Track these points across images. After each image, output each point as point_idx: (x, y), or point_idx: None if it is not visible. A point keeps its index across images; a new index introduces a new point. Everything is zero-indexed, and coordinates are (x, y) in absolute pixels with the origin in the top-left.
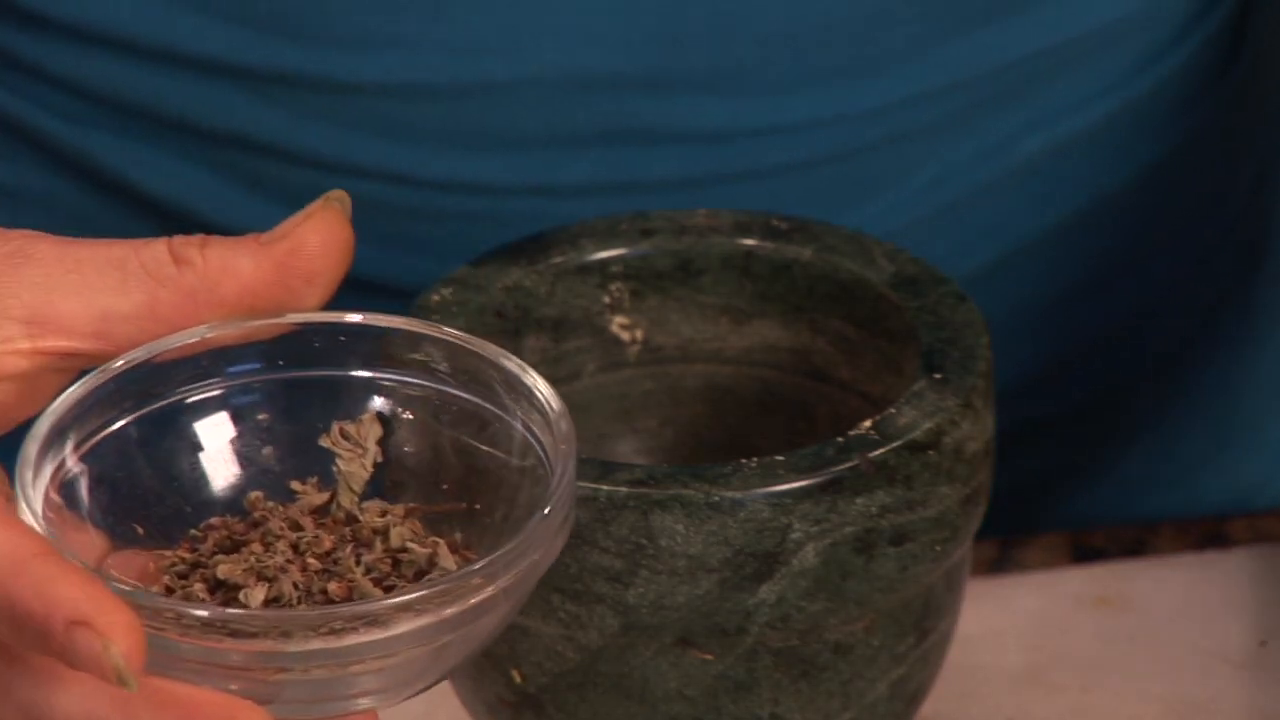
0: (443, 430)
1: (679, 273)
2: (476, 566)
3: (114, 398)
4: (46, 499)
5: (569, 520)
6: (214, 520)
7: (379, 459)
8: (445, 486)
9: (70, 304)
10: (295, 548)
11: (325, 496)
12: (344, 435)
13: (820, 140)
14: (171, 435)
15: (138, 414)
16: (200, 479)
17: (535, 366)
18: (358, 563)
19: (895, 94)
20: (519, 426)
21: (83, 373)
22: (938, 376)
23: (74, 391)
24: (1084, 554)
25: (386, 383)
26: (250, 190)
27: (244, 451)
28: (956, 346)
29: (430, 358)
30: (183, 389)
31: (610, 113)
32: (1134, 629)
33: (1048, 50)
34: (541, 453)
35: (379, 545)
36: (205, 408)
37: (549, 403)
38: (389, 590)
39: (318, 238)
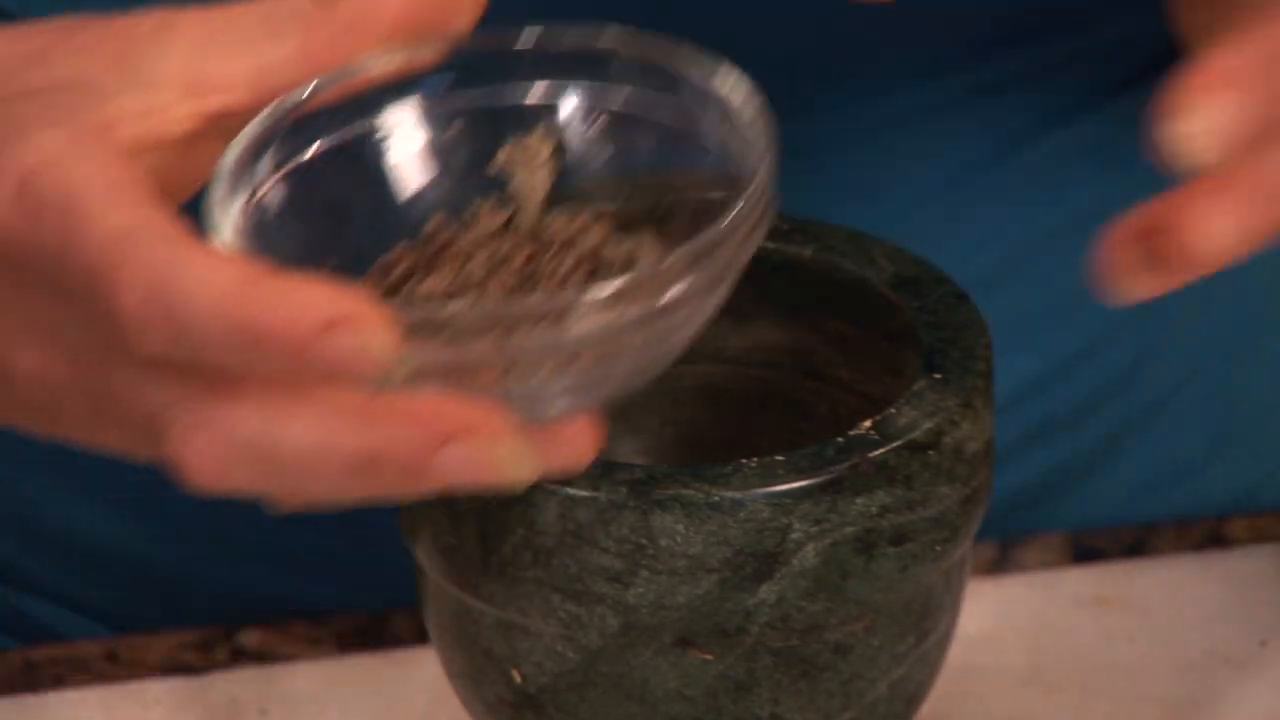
0: (621, 142)
1: None
2: (685, 249)
3: (285, 135)
4: (235, 237)
5: (766, 219)
6: (397, 250)
7: (555, 175)
8: (627, 198)
9: (223, 62)
10: (491, 260)
11: (505, 215)
12: (516, 153)
13: (826, 149)
14: (344, 169)
15: (310, 150)
16: (377, 210)
17: None
18: (557, 269)
19: (902, 106)
20: (707, 134)
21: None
22: (938, 376)
23: (248, 133)
24: (1084, 554)
25: (558, 97)
26: None
27: (417, 180)
28: (956, 346)
29: (605, 68)
30: (348, 124)
31: None
32: (1134, 629)
33: (1055, 54)
34: (731, 160)
35: (573, 254)
36: (373, 140)
37: (742, 105)
38: None
39: None
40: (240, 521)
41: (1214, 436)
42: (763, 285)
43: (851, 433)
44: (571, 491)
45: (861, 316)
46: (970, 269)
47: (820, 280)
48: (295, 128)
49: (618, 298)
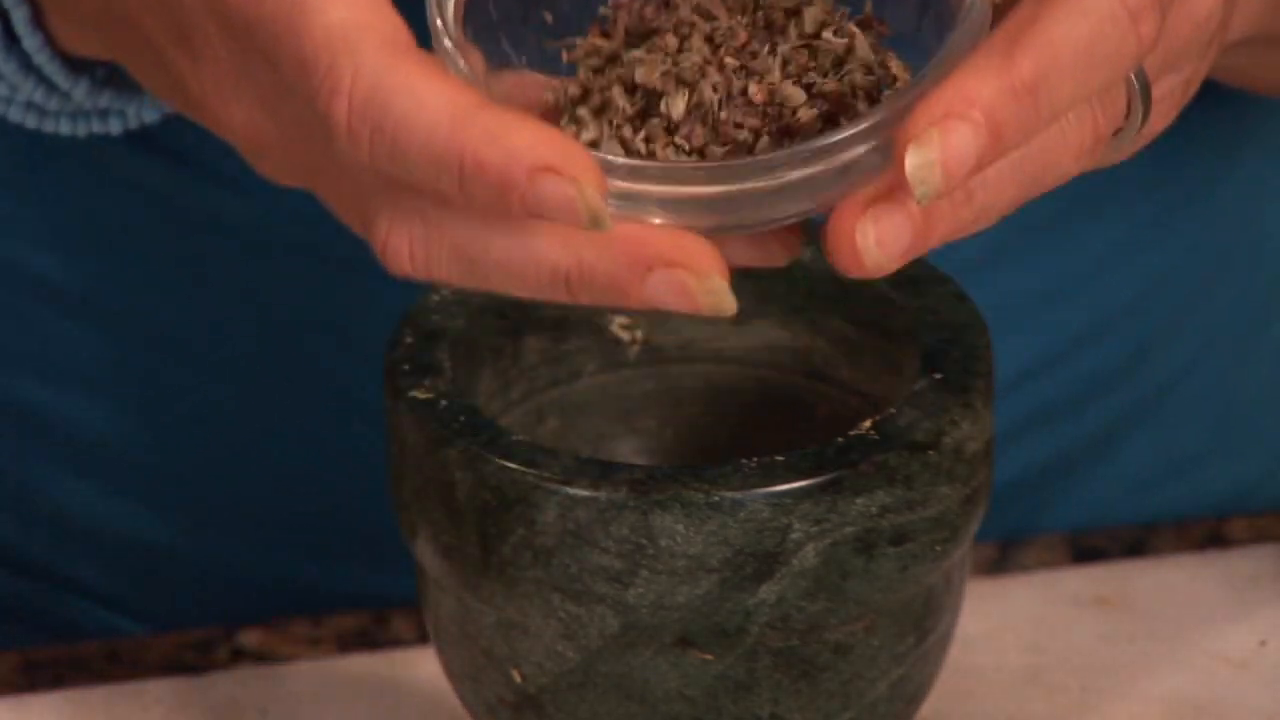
0: None
1: None
2: (913, 90)
3: None
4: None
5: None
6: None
7: None
8: None
9: None
10: (710, 40)
11: None
12: None
13: None
14: None
15: None
16: None
17: (535, 367)
18: (773, 54)
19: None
20: None
21: None
22: (938, 376)
23: None
24: (1084, 554)
25: None
26: None
27: None
28: (956, 346)
29: None
30: None
31: None
32: (1134, 629)
33: None
34: None
35: (793, 31)
36: None
37: None
38: (809, 88)
39: None
40: (240, 521)
41: (1215, 430)
42: (763, 285)
43: (851, 433)
44: (571, 491)
45: (861, 316)
46: (969, 251)
47: (820, 280)
48: None
49: (828, 151)
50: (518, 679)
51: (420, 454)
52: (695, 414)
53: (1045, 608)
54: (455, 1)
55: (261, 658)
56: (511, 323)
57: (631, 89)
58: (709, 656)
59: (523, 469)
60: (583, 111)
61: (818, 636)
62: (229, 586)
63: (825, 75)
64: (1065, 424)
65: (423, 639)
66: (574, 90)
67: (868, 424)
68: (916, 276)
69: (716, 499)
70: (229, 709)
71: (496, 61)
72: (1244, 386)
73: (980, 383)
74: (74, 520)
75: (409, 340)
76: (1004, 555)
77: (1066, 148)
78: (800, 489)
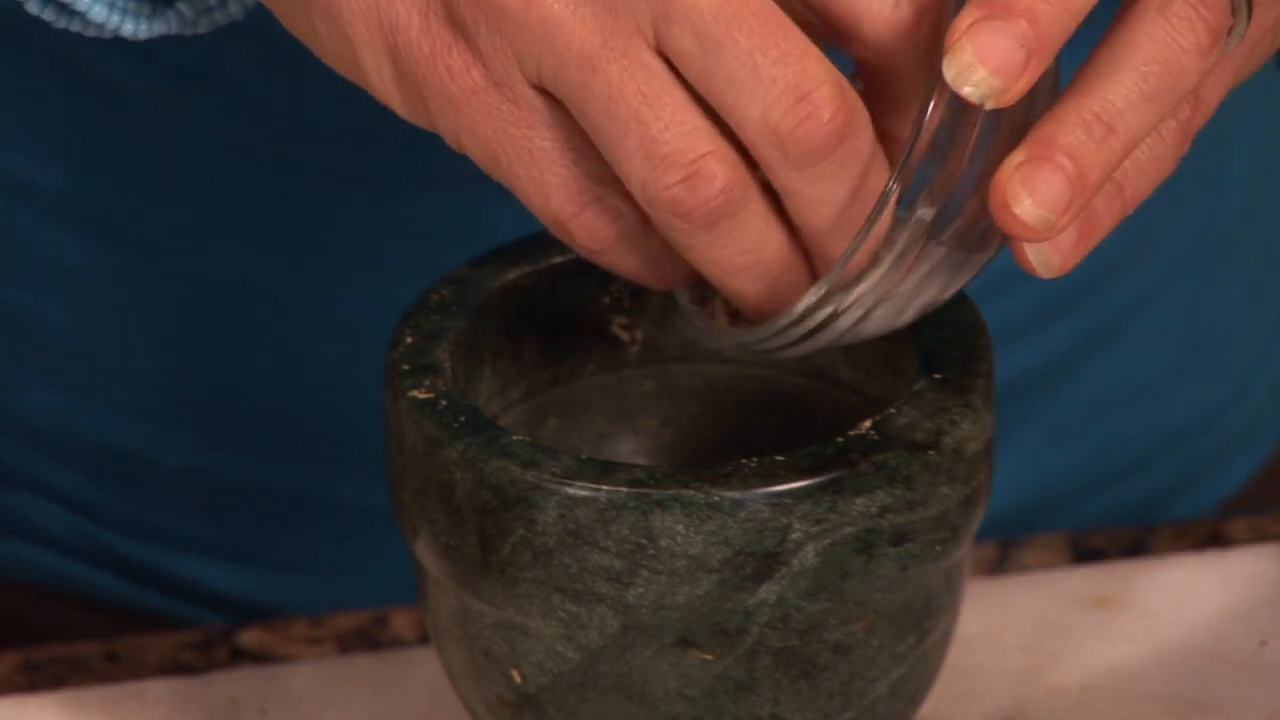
0: None
1: None
2: None
3: None
4: None
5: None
6: None
7: None
8: None
9: None
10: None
11: None
12: None
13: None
14: None
15: None
16: None
17: (535, 367)
18: None
19: None
20: None
21: None
22: (938, 376)
23: None
24: (1084, 554)
25: None
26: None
27: None
28: (956, 346)
29: None
30: None
31: None
32: (1134, 629)
33: None
34: None
35: None
36: None
37: None
38: None
39: None
40: (239, 521)
41: (1177, 355)
42: None
43: (851, 433)
44: (571, 491)
45: None
46: None
47: None
48: None
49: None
50: (518, 679)
51: (420, 454)
52: (695, 414)
53: (1045, 608)
54: None
55: (261, 658)
56: (511, 323)
57: None
58: (709, 656)
59: (523, 469)
60: None
61: (818, 636)
62: (230, 603)
63: None
64: (1027, 345)
65: (423, 639)
66: None
67: (868, 424)
68: None
69: (716, 499)
70: (229, 709)
71: None
72: (1207, 312)
73: (980, 383)
74: (47, 424)
75: (409, 340)
76: (1004, 555)
77: (1182, 49)
78: (800, 489)
